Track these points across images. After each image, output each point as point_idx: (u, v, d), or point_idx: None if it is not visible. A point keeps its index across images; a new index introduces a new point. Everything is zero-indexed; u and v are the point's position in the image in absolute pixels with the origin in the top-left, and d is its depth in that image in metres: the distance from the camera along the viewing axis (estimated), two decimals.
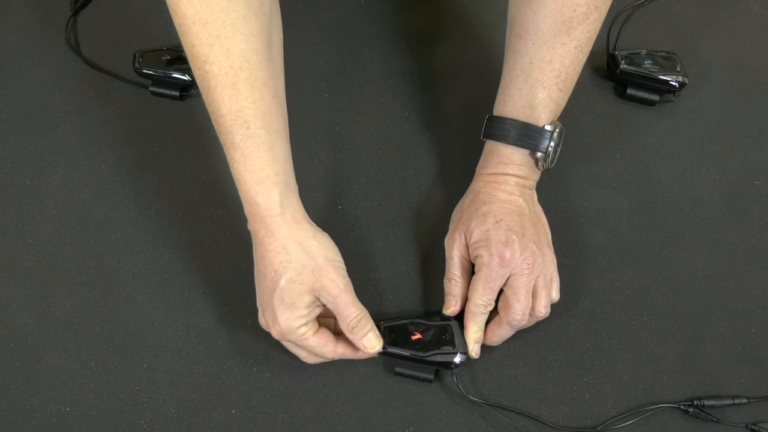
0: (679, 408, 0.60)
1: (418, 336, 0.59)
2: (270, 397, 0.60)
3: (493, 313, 0.60)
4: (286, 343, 0.58)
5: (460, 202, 0.64)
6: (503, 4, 0.63)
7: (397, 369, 0.60)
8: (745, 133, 0.75)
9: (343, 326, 0.57)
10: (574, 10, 0.57)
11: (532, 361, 0.62)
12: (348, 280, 0.57)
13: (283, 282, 0.54)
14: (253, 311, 0.59)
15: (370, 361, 0.61)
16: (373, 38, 0.80)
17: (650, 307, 0.65)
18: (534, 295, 0.59)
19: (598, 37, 0.60)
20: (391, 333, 0.59)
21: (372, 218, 0.69)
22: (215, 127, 0.54)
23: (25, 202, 0.68)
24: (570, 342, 0.63)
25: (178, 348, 0.62)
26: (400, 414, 0.59)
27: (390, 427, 0.59)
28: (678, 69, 0.75)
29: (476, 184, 0.63)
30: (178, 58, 0.74)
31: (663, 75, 0.74)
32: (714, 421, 0.59)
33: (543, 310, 0.59)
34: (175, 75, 0.74)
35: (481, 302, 0.59)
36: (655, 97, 0.75)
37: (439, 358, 0.58)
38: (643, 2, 0.84)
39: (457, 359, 0.58)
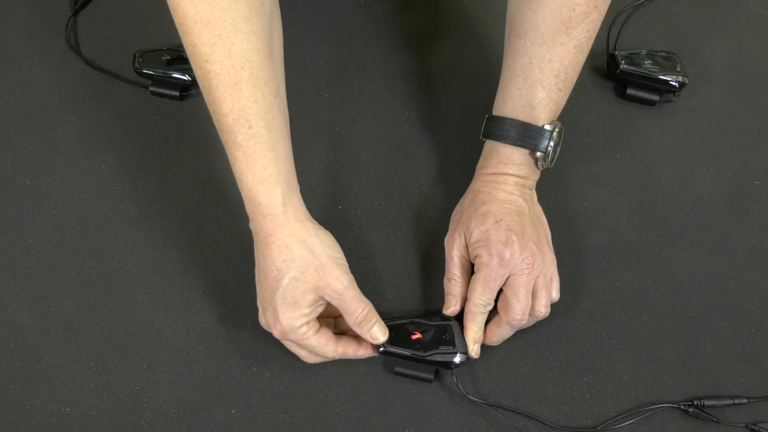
0: (679, 408, 0.60)
1: (418, 336, 0.59)
2: (270, 397, 0.60)
3: (494, 313, 0.60)
4: (286, 343, 0.58)
5: (460, 202, 0.64)
6: (503, 4, 0.63)
7: (397, 369, 0.60)
8: (745, 133, 0.75)
9: (350, 321, 0.57)
10: (573, 10, 0.57)
11: (532, 361, 0.62)
12: (351, 276, 0.57)
13: (286, 280, 0.54)
14: (253, 311, 0.59)
15: (370, 361, 0.61)
16: (373, 38, 0.80)
17: (650, 307, 0.65)
18: (534, 295, 0.59)
19: (598, 37, 0.60)
20: (391, 333, 0.59)
21: (372, 218, 0.69)
22: (217, 126, 0.54)
23: (25, 202, 0.68)
24: (570, 342, 0.63)
25: (178, 348, 0.62)
26: (400, 414, 0.59)
27: (390, 427, 0.59)
28: (678, 69, 0.75)
29: (476, 184, 0.63)
30: (178, 58, 0.74)
31: (663, 75, 0.74)
32: (714, 421, 0.59)
33: (543, 310, 0.59)
34: (175, 75, 0.74)
35: (481, 302, 0.59)
36: (655, 97, 0.75)
37: (439, 358, 0.58)
38: (643, 2, 0.84)
39: (457, 359, 0.58)
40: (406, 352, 0.59)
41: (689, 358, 0.62)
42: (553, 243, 0.63)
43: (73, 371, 0.60)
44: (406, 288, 0.65)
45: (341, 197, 0.70)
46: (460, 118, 0.74)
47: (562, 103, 0.61)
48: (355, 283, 0.57)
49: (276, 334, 0.56)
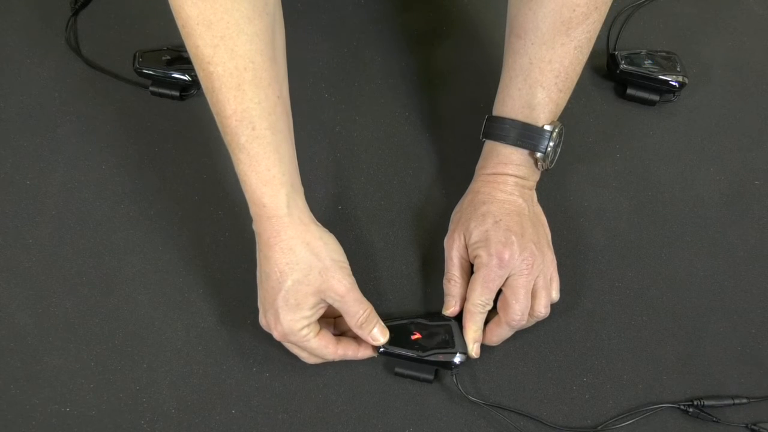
0: (679, 408, 0.60)
1: (417, 336, 0.59)
2: (270, 397, 0.60)
3: (493, 313, 0.60)
4: (287, 344, 0.58)
5: (460, 202, 0.64)
6: (503, 4, 0.63)
7: (397, 369, 0.60)
8: (745, 133, 0.75)
9: (351, 323, 0.57)
10: (574, 11, 0.57)
11: (532, 361, 0.62)
12: (353, 279, 0.57)
13: (289, 283, 0.54)
14: (253, 311, 0.59)
15: (370, 361, 0.61)
16: (373, 38, 0.80)
17: (650, 307, 0.65)
18: (533, 296, 0.59)
19: (598, 37, 0.60)
20: (391, 333, 0.59)
21: (372, 218, 0.69)
22: (220, 128, 0.54)
23: (25, 202, 0.68)
24: (570, 342, 0.63)
25: (178, 348, 0.62)
26: (400, 414, 0.59)
27: (390, 427, 0.59)
28: (678, 69, 0.75)
29: (475, 184, 0.63)
30: (178, 58, 0.74)
31: (663, 75, 0.74)
32: (714, 421, 0.59)
33: (543, 310, 0.59)
34: (175, 75, 0.74)
35: (479, 302, 0.59)
36: (655, 97, 0.75)
37: (438, 358, 0.58)
38: (643, 2, 0.84)
39: (457, 359, 0.58)
40: (406, 353, 0.59)
41: (689, 358, 0.62)
42: (553, 243, 0.63)
43: (73, 371, 0.60)
44: (406, 288, 0.65)
45: (341, 197, 0.70)
46: (460, 118, 0.74)
47: (563, 103, 0.61)
48: (356, 286, 0.57)
49: (277, 335, 0.56)
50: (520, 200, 0.61)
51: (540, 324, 0.61)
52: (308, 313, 0.55)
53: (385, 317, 0.59)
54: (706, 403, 0.59)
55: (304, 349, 0.57)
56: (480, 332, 0.60)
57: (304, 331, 0.55)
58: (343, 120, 0.74)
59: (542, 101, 0.60)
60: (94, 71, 0.77)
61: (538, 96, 0.60)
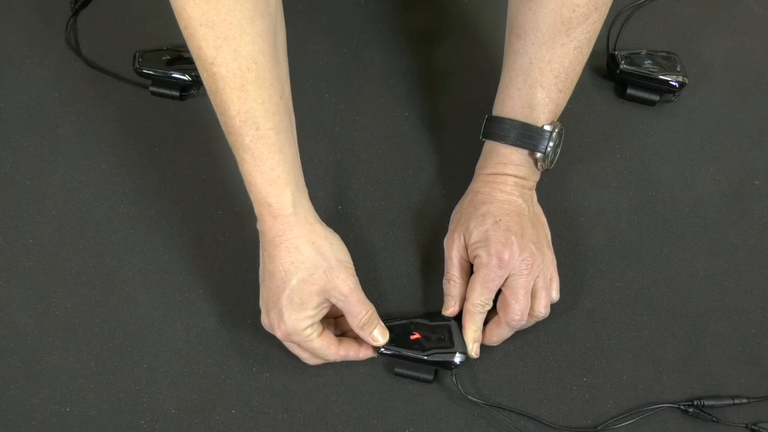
0: (679, 408, 0.60)
1: (417, 336, 0.59)
2: (270, 397, 0.60)
3: (493, 313, 0.60)
4: (288, 344, 0.58)
5: (460, 202, 0.64)
6: (503, 4, 0.63)
7: (397, 369, 0.60)
8: (745, 133, 0.75)
9: (354, 323, 0.57)
10: (574, 11, 0.57)
11: (532, 361, 0.62)
12: (357, 279, 0.57)
13: (294, 282, 0.54)
14: (253, 311, 0.59)
15: (370, 361, 0.61)
16: (373, 38, 0.80)
17: (650, 307, 0.65)
18: (533, 296, 0.59)
19: (598, 37, 0.60)
20: (391, 333, 0.59)
21: (372, 218, 0.69)
22: (224, 128, 0.54)
23: (25, 202, 0.68)
24: (570, 342, 0.63)
25: (178, 348, 0.62)
26: (400, 414, 0.59)
27: (390, 427, 0.59)
28: (678, 69, 0.75)
29: (475, 184, 0.63)
30: (178, 58, 0.74)
31: (663, 75, 0.74)
32: (714, 421, 0.59)
33: (542, 311, 0.59)
34: (175, 75, 0.74)
35: (479, 302, 0.59)
36: (655, 97, 0.75)
37: (438, 358, 0.58)
38: (643, 2, 0.84)
39: (457, 359, 0.58)
40: (406, 353, 0.59)
41: (689, 358, 0.62)
42: (553, 243, 0.63)
43: (73, 371, 0.60)
44: (406, 288, 0.65)
45: (341, 197, 0.70)
46: (460, 118, 0.74)
47: (563, 103, 0.61)
48: (360, 286, 0.57)
49: (279, 335, 0.56)
50: (520, 200, 0.61)
51: (540, 324, 0.61)
52: (312, 312, 0.55)
53: (385, 317, 0.59)
54: (706, 403, 0.59)
55: (306, 349, 0.57)
56: (480, 332, 0.60)
57: (308, 331, 0.55)
58: (343, 120, 0.74)
59: (542, 101, 0.60)
60: (94, 71, 0.77)
61: (538, 96, 0.60)
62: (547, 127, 0.60)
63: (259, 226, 0.57)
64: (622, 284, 0.66)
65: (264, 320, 0.58)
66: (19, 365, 0.61)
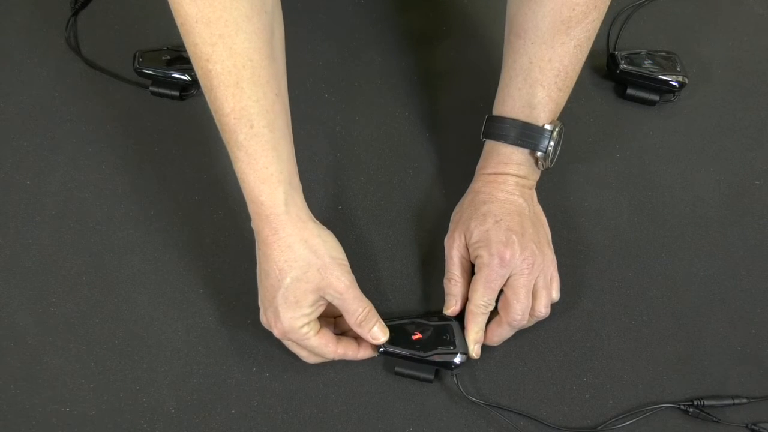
0: (679, 408, 0.60)
1: (418, 336, 0.59)
2: (270, 397, 0.60)
3: (493, 313, 0.60)
4: (287, 343, 0.58)
5: (460, 202, 0.64)
6: (503, 3, 0.63)
7: (397, 369, 0.60)
8: (745, 133, 0.75)
9: (351, 321, 0.57)
10: (573, 9, 0.57)
11: (532, 361, 0.62)
12: (352, 276, 0.57)
13: (288, 280, 0.54)
14: (253, 311, 0.59)
15: (370, 361, 0.61)
16: (373, 38, 0.80)
17: (650, 307, 0.65)
18: (534, 295, 0.59)
19: (598, 37, 0.60)
20: (392, 333, 0.59)
21: (372, 218, 0.69)
22: (218, 126, 0.54)
23: (25, 202, 0.68)
24: (570, 342, 0.63)
25: (178, 348, 0.62)
26: (400, 414, 0.59)
27: (390, 427, 0.59)
28: (678, 69, 0.75)
29: (476, 184, 0.63)
30: (178, 58, 0.74)
31: (663, 75, 0.74)
32: (714, 421, 0.59)
33: (543, 310, 0.59)
34: (175, 75, 0.74)
35: (482, 302, 0.59)
36: (655, 97, 0.75)
37: (439, 358, 0.58)
38: (643, 2, 0.84)
39: (458, 359, 0.58)
40: (406, 353, 0.59)
41: (689, 358, 0.62)
42: (553, 243, 0.63)
43: (73, 371, 0.60)
44: (406, 288, 0.65)
45: (341, 197, 0.70)
46: (460, 118, 0.74)
47: (562, 102, 0.61)
48: (356, 283, 0.57)
49: (277, 333, 0.56)
50: (521, 200, 0.61)
51: (540, 324, 0.61)
52: (308, 310, 0.55)
53: (386, 317, 0.59)
54: (706, 403, 0.59)
55: (304, 347, 0.57)
56: (482, 333, 0.60)
57: (305, 329, 0.55)
58: (343, 120, 0.74)
59: (542, 100, 0.60)
60: (94, 71, 0.77)
61: (538, 95, 0.60)
62: (548, 126, 0.60)
63: (253, 225, 0.57)
64: (622, 284, 0.66)
65: (262, 319, 0.58)
66: (19, 365, 0.61)
